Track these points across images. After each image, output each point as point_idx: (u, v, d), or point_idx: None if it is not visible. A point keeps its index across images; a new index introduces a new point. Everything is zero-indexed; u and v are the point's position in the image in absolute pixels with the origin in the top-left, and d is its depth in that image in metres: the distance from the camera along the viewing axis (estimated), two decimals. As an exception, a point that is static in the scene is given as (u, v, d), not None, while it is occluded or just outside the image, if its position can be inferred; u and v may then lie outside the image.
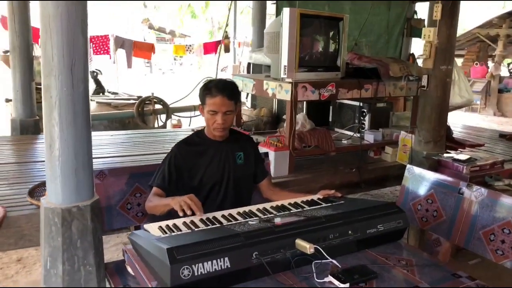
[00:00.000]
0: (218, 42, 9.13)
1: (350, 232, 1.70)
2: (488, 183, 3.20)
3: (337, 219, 1.72)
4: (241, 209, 1.92)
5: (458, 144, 4.26)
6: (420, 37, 3.40)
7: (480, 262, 3.26)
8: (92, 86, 8.30)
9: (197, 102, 2.17)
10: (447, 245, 2.35)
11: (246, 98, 6.33)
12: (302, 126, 3.88)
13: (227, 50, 8.90)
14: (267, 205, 1.98)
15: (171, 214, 1.87)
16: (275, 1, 5.92)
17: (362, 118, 4.34)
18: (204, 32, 22.58)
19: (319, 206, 1.96)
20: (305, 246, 1.52)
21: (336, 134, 4.42)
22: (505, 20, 12.26)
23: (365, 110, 4.31)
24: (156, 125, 7.10)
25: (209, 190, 2.17)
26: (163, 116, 7.15)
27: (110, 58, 9.74)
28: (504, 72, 14.02)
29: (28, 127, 4.79)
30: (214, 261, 1.39)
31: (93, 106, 7.03)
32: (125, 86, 11.27)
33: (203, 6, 20.46)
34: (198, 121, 6.40)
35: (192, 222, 1.74)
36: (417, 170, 2.53)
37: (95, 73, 8.31)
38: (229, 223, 1.74)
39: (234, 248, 1.45)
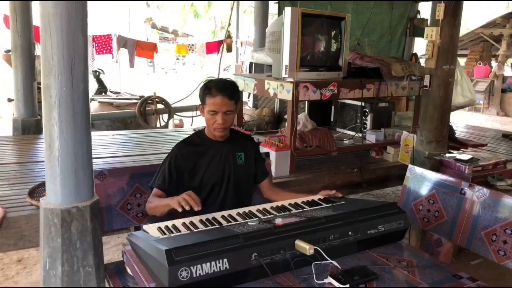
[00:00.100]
0: (221, 42, 9.12)
1: (350, 232, 1.69)
2: (490, 183, 3.18)
3: (337, 220, 1.71)
4: (241, 210, 1.91)
5: (460, 144, 4.24)
6: (422, 36, 3.38)
7: (482, 262, 3.25)
8: (94, 85, 8.32)
9: (199, 101, 2.16)
10: (449, 246, 2.34)
11: (248, 98, 6.32)
12: (304, 126, 3.87)
13: (229, 49, 8.89)
14: (267, 206, 1.97)
15: (171, 214, 1.86)
16: (277, 1, 5.90)
17: (364, 118, 4.32)
18: (207, 32, 22.58)
19: (319, 207, 1.95)
20: (305, 247, 1.50)
21: (338, 134, 4.41)
22: (508, 20, 12.22)
23: (367, 110, 4.30)
24: (158, 125, 7.11)
25: (210, 191, 2.16)
26: (165, 116, 7.16)
27: (113, 58, 9.74)
28: (507, 71, 13.98)
29: (30, 127, 4.79)
30: (213, 263, 1.38)
31: (95, 105, 7.04)
32: (127, 85, 11.28)
33: (206, 5, 20.44)
34: (200, 121, 6.40)
35: (192, 223, 1.74)
36: (419, 170, 2.52)
37: (97, 73, 8.33)
38: (228, 224, 1.73)
39: (233, 249, 1.44)
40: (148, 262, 1.47)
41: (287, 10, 3.42)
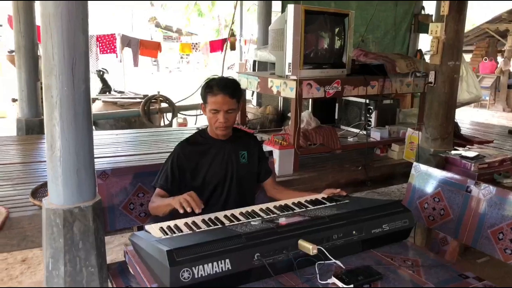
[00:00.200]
0: (224, 40, 9.10)
1: (354, 232, 1.67)
2: (496, 180, 3.15)
3: (341, 219, 1.69)
4: (243, 209, 1.89)
5: (466, 141, 4.20)
6: (427, 32, 3.35)
7: (488, 261, 3.21)
8: (98, 85, 8.33)
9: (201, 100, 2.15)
10: (455, 244, 2.32)
11: (252, 96, 6.30)
12: (307, 124, 3.85)
13: (233, 48, 8.86)
14: (270, 205, 1.96)
15: (174, 214, 1.85)
16: (280, -1, 5.88)
17: (368, 115, 4.29)
18: (211, 30, 22.58)
19: (323, 206, 1.93)
20: (308, 247, 1.49)
21: (342, 131, 4.38)
22: (514, 14, 12.10)
23: (372, 107, 4.27)
24: (162, 124, 7.10)
25: (212, 190, 2.14)
26: (169, 115, 7.15)
27: (117, 57, 9.76)
28: (513, 67, 13.84)
29: (33, 127, 4.80)
30: (215, 263, 1.37)
31: (99, 105, 7.05)
32: (131, 84, 11.28)
33: (209, 4, 20.44)
34: (204, 120, 6.38)
35: (194, 222, 1.72)
36: (424, 168, 2.49)
37: (101, 72, 8.33)
38: (231, 223, 1.72)
39: (235, 249, 1.42)
40: (149, 262, 1.46)
41: (290, 7, 3.39)
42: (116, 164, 3.61)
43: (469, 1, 3.27)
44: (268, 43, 3.91)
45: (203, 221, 1.74)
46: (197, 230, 1.64)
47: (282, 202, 2.00)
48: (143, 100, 6.89)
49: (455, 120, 3.73)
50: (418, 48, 6.95)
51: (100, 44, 9.09)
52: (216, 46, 10.66)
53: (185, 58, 23.11)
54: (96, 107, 7.04)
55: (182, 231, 1.64)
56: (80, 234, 1.92)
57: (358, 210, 1.77)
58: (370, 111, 4.28)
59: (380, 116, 4.30)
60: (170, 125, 7.06)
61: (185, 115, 7.33)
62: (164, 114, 7.16)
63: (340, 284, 1.44)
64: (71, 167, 1.89)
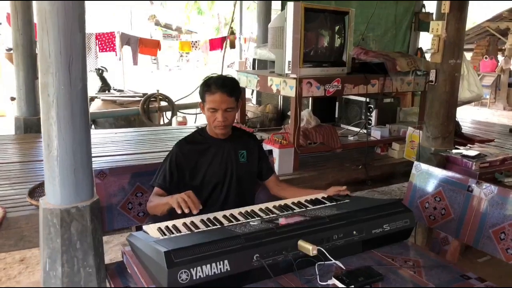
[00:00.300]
0: (224, 38, 9.08)
1: (354, 232, 1.65)
2: (498, 179, 3.12)
3: (341, 219, 1.67)
4: (242, 209, 1.87)
5: (467, 140, 4.18)
6: (428, 31, 3.32)
7: (490, 260, 3.19)
8: (97, 83, 8.31)
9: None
10: (456, 244, 2.30)
11: (252, 94, 6.27)
12: (307, 123, 3.82)
13: (232, 46, 8.84)
14: (270, 205, 1.94)
15: (172, 214, 1.83)
16: (280, -2, 5.85)
17: (368, 114, 4.27)
18: (211, 29, 22.54)
19: (323, 206, 1.91)
20: (308, 248, 1.47)
21: (342, 130, 4.36)
22: (515, 13, 12.08)
23: (372, 106, 4.25)
24: (161, 123, 7.08)
25: (212, 190, 2.13)
26: (169, 113, 7.13)
27: (116, 55, 9.73)
28: (514, 65, 13.80)
29: (32, 125, 4.78)
30: (213, 264, 1.35)
31: (98, 103, 7.03)
32: (131, 83, 11.26)
33: (209, 2, 20.41)
34: (204, 118, 6.36)
35: (192, 223, 1.70)
36: (425, 167, 2.47)
37: (100, 71, 8.31)
38: (230, 223, 1.70)
39: (234, 250, 1.40)
40: (147, 263, 1.44)
41: (290, 5, 3.37)
42: (115, 163, 3.59)
43: (470, 1, 3.24)
44: (268, 41, 3.89)
45: (202, 221, 1.72)
46: (195, 231, 1.62)
47: (282, 202, 1.98)
48: (142, 98, 6.88)
49: (456, 119, 3.70)
50: (419, 47, 6.93)
51: (100, 42, 9.07)
52: (216, 44, 10.64)
53: (184, 57, 23.09)
54: (96, 106, 7.03)
55: (180, 232, 1.62)
56: (77, 234, 1.90)
57: (358, 210, 1.75)
58: (371, 109, 4.26)
59: (381, 114, 4.28)
60: (169, 123, 7.04)
61: (185, 113, 7.31)
62: (164, 112, 7.14)
63: (340, 285, 1.42)
64: (68, 167, 1.87)
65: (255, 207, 1.91)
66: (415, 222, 1.85)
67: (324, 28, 3.77)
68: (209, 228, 1.66)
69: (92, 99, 7.23)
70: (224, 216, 1.79)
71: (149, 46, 9.90)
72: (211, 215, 1.79)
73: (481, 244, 2.11)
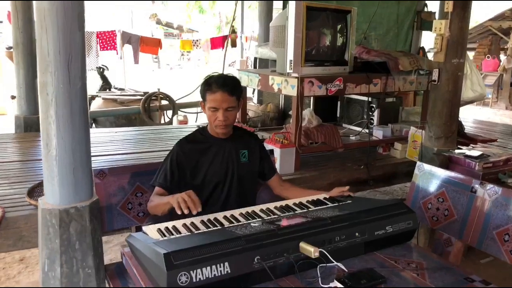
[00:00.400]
0: (225, 37, 9.05)
1: (357, 234, 1.63)
2: (501, 180, 3.10)
3: (343, 221, 1.65)
4: (243, 210, 1.85)
5: (469, 140, 4.15)
6: (430, 30, 3.30)
7: (492, 261, 3.17)
8: (98, 82, 8.29)
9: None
10: (459, 245, 2.27)
11: (253, 93, 6.25)
12: (309, 122, 3.80)
13: (234, 45, 8.82)
14: (271, 206, 1.91)
15: (173, 213, 1.81)
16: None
17: (370, 113, 4.24)
18: (212, 27, 22.53)
19: (325, 207, 1.89)
20: (310, 250, 1.45)
21: (344, 130, 4.34)
22: (517, 12, 12.03)
23: (374, 105, 4.22)
24: (162, 121, 7.07)
25: (212, 189, 2.11)
26: (170, 112, 7.11)
27: (117, 54, 9.71)
28: (516, 65, 13.75)
29: (32, 124, 4.75)
30: (214, 267, 1.33)
31: (99, 102, 7.01)
32: (132, 82, 11.25)
33: (210, 1, 20.41)
34: (205, 117, 6.34)
35: (192, 224, 1.68)
36: (428, 167, 2.45)
37: (101, 69, 8.29)
38: (230, 225, 1.67)
39: (235, 252, 1.38)
40: (146, 265, 1.42)
41: (291, 4, 3.34)
42: (115, 163, 3.57)
43: (473, 0, 3.22)
44: (269, 40, 3.86)
45: (202, 222, 1.70)
46: (195, 232, 1.60)
47: (283, 203, 1.96)
48: (143, 97, 6.85)
49: (459, 119, 3.68)
50: (421, 46, 6.90)
51: (100, 41, 9.04)
52: (217, 43, 10.61)
53: (186, 55, 23.07)
54: (96, 105, 7.01)
55: (180, 233, 1.60)
56: (76, 234, 1.89)
57: (361, 211, 1.73)
58: (373, 109, 4.23)
59: (383, 114, 4.25)
60: (170, 122, 7.02)
61: (186, 112, 7.29)
62: (165, 111, 7.12)
63: (342, 287, 1.40)
64: (67, 166, 1.85)
65: (256, 208, 1.88)
66: (418, 224, 1.82)
67: (326, 26, 3.74)
68: (209, 229, 1.63)
69: (93, 97, 7.22)
70: (225, 217, 1.77)
71: (150, 45, 9.87)
72: (211, 216, 1.77)
73: (485, 246, 2.09)
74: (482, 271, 3.03)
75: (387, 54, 3.98)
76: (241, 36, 10.34)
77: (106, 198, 2.12)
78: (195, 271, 1.30)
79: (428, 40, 6.80)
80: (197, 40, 11.45)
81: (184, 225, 1.67)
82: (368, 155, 3.85)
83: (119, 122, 6.72)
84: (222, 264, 1.34)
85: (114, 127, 6.22)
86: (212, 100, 2.00)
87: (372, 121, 4.24)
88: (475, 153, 3.28)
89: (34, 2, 1.80)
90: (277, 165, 3.26)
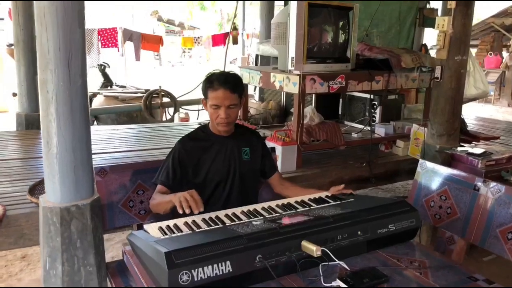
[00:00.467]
0: (227, 34, 9.02)
1: (359, 232, 1.62)
2: (504, 178, 3.08)
3: (345, 219, 1.64)
4: (245, 208, 1.84)
5: (472, 137, 4.13)
6: (432, 27, 3.28)
7: (495, 259, 3.16)
8: (100, 79, 8.28)
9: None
10: (462, 244, 2.26)
11: (254, 91, 6.24)
12: (311, 120, 3.79)
13: (235, 42, 8.79)
14: (273, 204, 1.91)
15: (174, 212, 1.80)
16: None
17: (372, 111, 4.23)
18: (213, 24, 22.48)
19: (327, 205, 1.88)
20: (312, 249, 1.44)
21: (346, 127, 4.32)
22: (520, 9, 11.97)
23: (376, 103, 4.20)
24: (164, 119, 7.06)
25: (214, 187, 2.10)
26: (171, 110, 7.10)
27: (118, 51, 9.68)
28: (519, 62, 13.69)
29: (33, 121, 4.74)
30: (215, 265, 1.32)
31: (100, 99, 7.00)
32: (134, 79, 11.24)
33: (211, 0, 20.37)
34: (207, 115, 6.32)
35: (194, 222, 1.67)
36: (430, 165, 2.44)
37: (102, 66, 8.28)
38: (232, 223, 1.67)
39: (236, 251, 1.37)
40: (147, 264, 1.41)
41: (293, 1, 3.32)
42: (116, 160, 3.56)
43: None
44: (270, 37, 3.84)
45: (204, 220, 1.69)
46: (197, 230, 1.59)
47: (285, 201, 1.95)
48: (144, 94, 6.85)
49: (461, 116, 3.66)
50: (423, 43, 6.86)
51: (102, 38, 9.00)
52: (218, 40, 10.57)
53: (187, 52, 23.02)
54: (98, 102, 7.00)
55: (181, 231, 1.59)
56: (77, 232, 1.88)
57: (363, 209, 1.72)
58: (375, 106, 4.21)
59: (385, 111, 4.23)
60: (171, 120, 7.01)
61: (187, 110, 7.27)
62: (166, 109, 7.11)
63: (345, 286, 1.39)
64: (68, 164, 1.84)
65: (258, 206, 1.88)
66: (421, 222, 1.81)
67: (328, 23, 3.72)
68: (211, 227, 1.63)
69: (94, 95, 7.21)
70: (226, 215, 1.76)
71: (151, 42, 9.83)
72: (213, 214, 1.76)
73: (488, 244, 2.08)
74: (485, 269, 3.02)
75: (389, 51, 3.96)
76: (242, 33, 10.30)
77: (107, 196, 2.11)
78: (196, 270, 1.29)
79: (430, 37, 6.77)
80: (198, 37, 11.41)
81: (186, 224, 1.66)
82: (370, 152, 3.84)
83: (120, 120, 6.71)
84: (223, 263, 1.33)
85: (116, 124, 6.21)
86: (214, 97, 1.99)
87: (374, 118, 4.22)
88: (478, 150, 3.26)
89: (34, -1, 1.78)
90: (279, 163, 3.25)
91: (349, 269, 1.49)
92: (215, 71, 2.10)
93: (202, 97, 2.09)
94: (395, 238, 1.71)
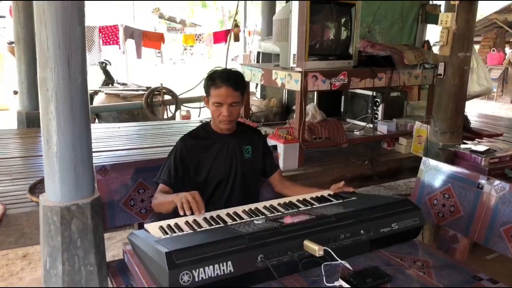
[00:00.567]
0: (228, 31, 9.00)
1: (362, 231, 1.60)
2: (508, 175, 3.07)
3: (348, 218, 1.62)
4: (246, 207, 1.83)
5: (475, 134, 4.11)
6: (435, 23, 3.26)
7: (498, 257, 3.14)
8: (101, 77, 8.27)
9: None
10: (465, 242, 2.24)
11: (256, 88, 6.21)
12: (313, 117, 3.76)
13: (236, 39, 8.78)
14: (274, 202, 1.89)
15: (176, 211, 1.78)
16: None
17: (375, 108, 4.20)
18: (215, 21, 22.46)
19: (329, 203, 1.86)
20: (314, 248, 1.42)
21: (348, 125, 4.30)
22: (524, 5, 11.91)
23: (379, 100, 4.18)
24: (165, 116, 7.04)
25: (216, 186, 2.08)
26: (173, 107, 7.09)
27: (120, 49, 9.67)
28: (522, 58, 13.63)
29: (34, 120, 4.72)
30: (216, 266, 1.31)
31: (101, 97, 7.00)
32: (135, 76, 11.22)
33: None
34: (208, 112, 6.30)
35: (195, 221, 1.66)
36: (433, 162, 2.41)
37: (104, 64, 8.27)
38: (233, 222, 1.65)
39: (238, 251, 1.36)
40: (148, 264, 1.39)
41: (295, -3, 3.29)
42: (117, 159, 3.55)
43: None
44: (272, 34, 3.82)
45: (205, 219, 1.68)
46: (198, 230, 1.58)
47: (287, 199, 1.94)
48: (146, 92, 6.83)
49: (465, 113, 3.63)
50: (426, 39, 6.83)
51: (103, 36, 8.98)
52: (220, 37, 10.54)
53: (188, 50, 23.01)
54: (99, 99, 6.99)
55: (182, 231, 1.57)
56: (78, 232, 1.87)
57: (366, 208, 1.70)
58: (377, 103, 4.19)
59: (387, 109, 4.20)
60: (173, 117, 7.00)
61: (189, 107, 7.26)
62: (167, 106, 7.10)
63: (347, 286, 1.37)
64: (68, 163, 1.83)
65: (259, 205, 1.86)
66: (424, 221, 1.79)
67: (330, 20, 3.69)
68: (212, 227, 1.61)
69: (96, 92, 7.20)
70: (228, 214, 1.74)
71: (152, 39, 9.82)
72: (214, 213, 1.75)
73: (492, 243, 2.06)
74: (488, 267, 3.00)
75: (392, 48, 3.93)
76: (244, 30, 10.27)
77: (108, 194, 2.10)
78: (197, 270, 1.28)
79: (432, 33, 6.73)
80: (200, 35, 11.39)
81: (187, 223, 1.64)
82: (373, 150, 3.82)
83: (122, 117, 6.70)
84: (225, 263, 1.32)
85: (117, 122, 6.19)
86: (216, 95, 1.97)
87: (376, 115, 4.20)
88: (481, 148, 3.24)
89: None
90: (281, 161, 3.24)
91: (351, 268, 1.47)
92: (217, 68, 2.08)
93: (204, 94, 2.07)
94: (398, 237, 1.69)
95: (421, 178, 2.44)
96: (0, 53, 11.72)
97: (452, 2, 3.08)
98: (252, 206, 1.84)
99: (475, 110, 7.51)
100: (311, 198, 1.95)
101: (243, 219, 1.69)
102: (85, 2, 1.84)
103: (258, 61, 5.76)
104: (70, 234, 1.85)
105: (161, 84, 6.99)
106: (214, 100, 1.99)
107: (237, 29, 8.38)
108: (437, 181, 2.35)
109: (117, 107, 6.76)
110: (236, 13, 7.90)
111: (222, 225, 1.63)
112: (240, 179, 2.11)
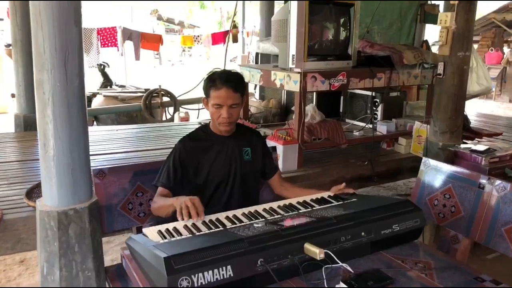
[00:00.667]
0: (226, 32, 8.98)
1: (363, 233, 1.59)
2: (508, 175, 3.05)
3: (349, 220, 1.61)
4: (246, 210, 1.81)
5: (475, 134, 4.09)
6: (434, 23, 3.25)
7: (499, 256, 3.13)
8: (99, 79, 8.24)
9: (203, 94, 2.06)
10: (466, 243, 2.23)
11: (255, 89, 6.20)
12: (312, 118, 3.75)
13: (235, 40, 8.77)
14: (274, 205, 1.87)
15: (175, 216, 1.76)
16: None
17: (374, 108, 4.19)
18: (213, 22, 22.44)
19: (329, 205, 1.84)
20: (315, 251, 1.40)
21: (347, 125, 4.28)
22: (521, 4, 11.92)
23: (378, 100, 4.16)
24: (164, 118, 7.02)
25: (215, 188, 2.07)
26: (171, 109, 7.07)
27: (118, 51, 9.64)
28: (520, 57, 13.64)
29: (31, 123, 4.68)
30: (216, 270, 1.29)
31: (100, 99, 6.97)
32: (133, 78, 11.20)
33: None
34: (207, 114, 6.29)
35: (194, 225, 1.64)
36: (434, 162, 2.40)
37: (102, 66, 8.24)
38: (233, 226, 1.63)
39: (237, 255, 1.34)
40: (146, 269, 1.38)
41: (293, -2, 3.28)
42: (115, 162, 3.52)
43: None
44: (271, 34, 3.80)
45: (204, 223, 1.66)
46: (197, 234, 1.56)
47: (287, 202, 1.92)
48: (144, 94, 6.81)
49: (464, 113, 3.62)
50: (424, 39, 6.82)
51: (101, 38, 8.96)
52: (218, 38, 10.53)
53: (187, 51, 22.99)
54: (97, 102, 6.97)
55: (181, 235, 1.55)
56: (76, 236, 1.84)
57: (366, 209, 1.69)
58: (376, 104, 4.17)
59: (387, 109, 4.19)
60: (172, 119, 6.98)
61: (187, 109, 7.24)
62: (166, 108, 7.07)
63: (348, 289, 1.36)
64: (65, 167, 1.81)
65: (259, 207, 1.84)
66: (425, 222, 1.77)
67: (329, 20, 3.68)
68: (211, 230, 1.59)
69: (94, 95, 7.17)
70: (227, 218, 1.72)
71: (151, 41, 9.80)
72: (213, 216, 1.73)
73: (493, 243, 2.05)
74: (489, 267, 2.99)
75: (391, 48, 3.91)
76: (242, 31, 10.27)
77: (106, 198, 2.08)
78: (196, 275, 1.26)
79: (431, 33, 6.72)
80: (198, 36, 11.38)
81: (186, 227, 1.63)
82: (372, 150, 3.81)
83: (120, 120, 6.68)
84: (224, 268, 1.30)
85: (116, 124, 6.17)
86: (216, 96, 1.95)
87: (375, 116, 4.18)
88: (481, 147, 3.23)
89: (30, -2, 1.75)
90: (280, 162, 3.22)
91: (353, 271, 1.46)
92: (217, 70, 2.06)
93: (203, 96, 2.06)
94: (399, 239, 1.68)
95: (421, 178, 2.42)
96: (-1, 56, 11.69)
97: (451, 2, 3.07)
98: (252, 209, 1.82)
99: (474, 110, 7.50)
100: (311, 200, 1.93)
101: (243, 222, 1.67)
102: (82, 2, 1.83)
103: (256, 62, 5.75)
104: (68, 239, 1.83)
105: (160, 86, 6.97)
106: (214, 102, 1.97)
107: (235, 30, 8.38)
108: (438, 181, 2.34)
109: (116, 110, 6.73)
110: (235, 14, 7.88)
111: (222, 228, 1.61)
112: (240, 181, 2.09)
